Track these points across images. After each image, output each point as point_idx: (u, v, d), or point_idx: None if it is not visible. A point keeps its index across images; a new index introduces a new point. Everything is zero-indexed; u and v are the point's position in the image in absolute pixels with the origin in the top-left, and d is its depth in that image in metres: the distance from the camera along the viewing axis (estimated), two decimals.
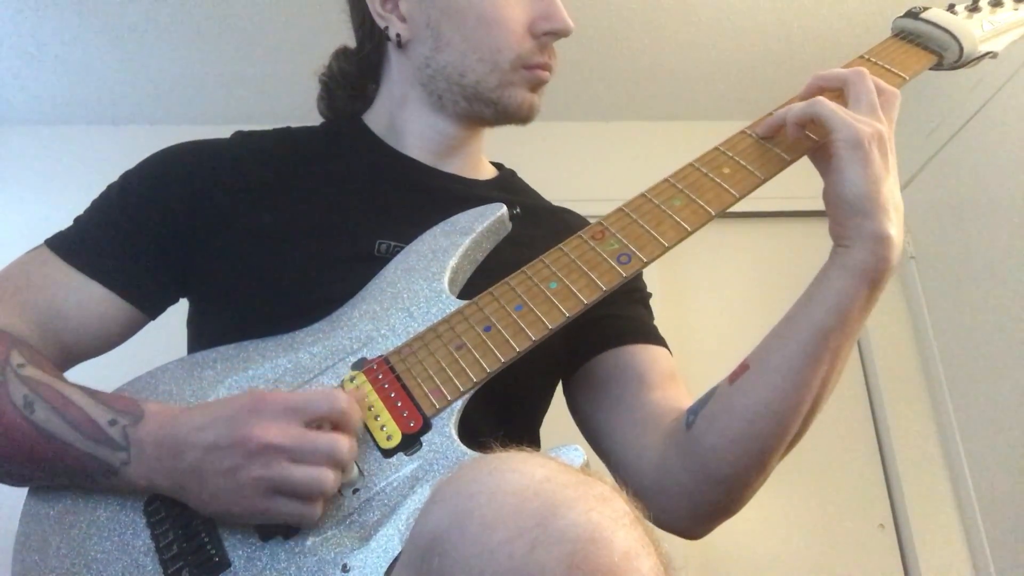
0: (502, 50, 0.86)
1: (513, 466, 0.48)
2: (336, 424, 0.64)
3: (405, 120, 0.93)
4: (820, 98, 0.72)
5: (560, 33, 0.88)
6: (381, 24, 0.91)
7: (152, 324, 0.87)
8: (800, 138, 0.75)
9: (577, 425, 0.92)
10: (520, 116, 0.90)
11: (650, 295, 0.99)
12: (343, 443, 0.62)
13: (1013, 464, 1.93)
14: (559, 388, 0.96)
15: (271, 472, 0.61)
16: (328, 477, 0.61)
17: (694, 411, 0.76)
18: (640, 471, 0.79)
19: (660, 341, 0.92)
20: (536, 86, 0.90)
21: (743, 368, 0.73)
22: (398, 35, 0.90)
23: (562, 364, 0.91)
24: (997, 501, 2.00)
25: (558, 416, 0.97)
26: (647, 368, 0.86)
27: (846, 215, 0.69)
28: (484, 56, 0.86)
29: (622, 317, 0.91)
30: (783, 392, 0.70)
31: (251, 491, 0.61)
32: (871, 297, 0.69)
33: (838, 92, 0.77)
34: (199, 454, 0.63)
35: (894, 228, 0.68)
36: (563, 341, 0.85)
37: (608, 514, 0.45)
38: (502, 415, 0.81)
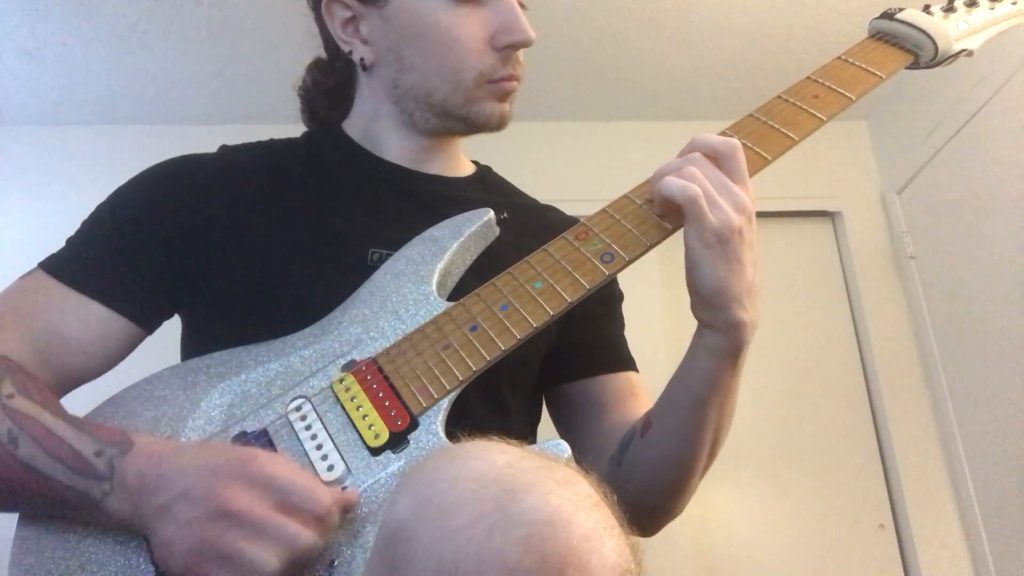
0: (464, 69, 0.86)
1: (475, 453, 0.48)
2: (310, 521, 0.60)
3: (381, 132, 0.94)
4: (672, 184, 0.71)
5: (520, 45, 0.88)
6: (345, 48, 0.91)
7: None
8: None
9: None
10: (491, 127, 0.91)
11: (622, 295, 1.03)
12: (304, 539, 0.59)
13: (1013, 464, 1.92)
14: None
15: (223, 540, 0.58)
16: (272, 567, 0.57)
17: (623, 449, 0.84)
18: None
19: (628, 364, 0.97)
20: (504, 97, 0.90)
21: (647, 425, 0.82)
22: (362, 59, 0.91)
23: (546, 369, 0.94)
24: (997, 501, 1.99)
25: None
26: (608, 398, 0.93)
27: (703, 305, 0.73)
28: (446, 76, 0.87)
29: (599, 345, 0.96)
30: (680, 448, 0.79)
31: (200, 551, 0.59)
32: (736, 365, 0.76)
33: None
34: (170, 497, 0.61)
35: (747, 314, 0.72)
36: (549, 352, 0.92)
37: (568, 497, 0.45)
38: (493, 411, 0.82)
